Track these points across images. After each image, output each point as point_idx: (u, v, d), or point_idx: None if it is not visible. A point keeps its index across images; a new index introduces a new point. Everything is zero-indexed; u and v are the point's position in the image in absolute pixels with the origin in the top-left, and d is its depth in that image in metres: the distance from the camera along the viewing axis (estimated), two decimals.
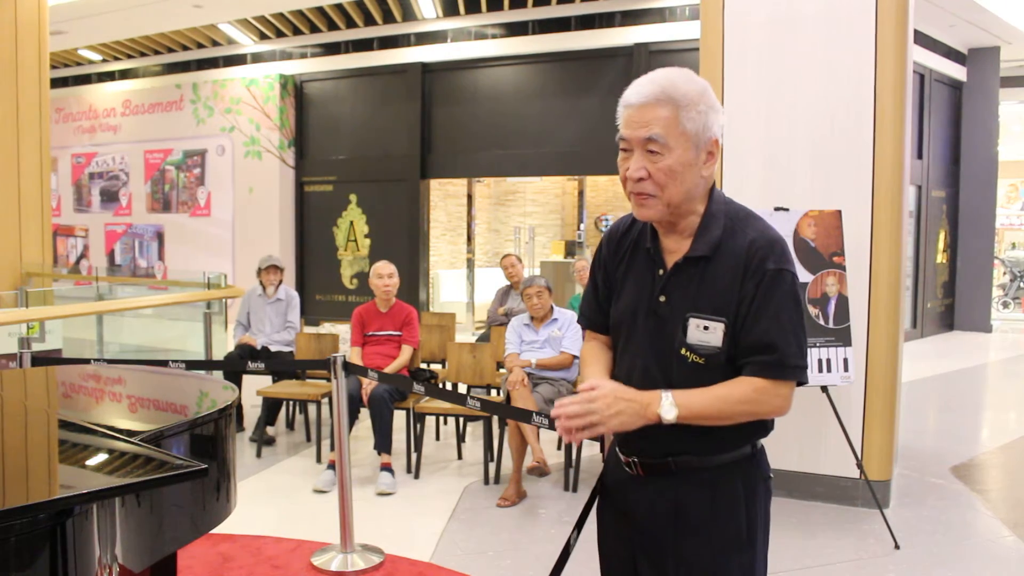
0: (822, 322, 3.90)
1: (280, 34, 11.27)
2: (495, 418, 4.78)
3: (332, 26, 10.90)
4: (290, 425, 6.02)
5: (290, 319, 6.01)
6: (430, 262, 11.20)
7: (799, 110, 4.26)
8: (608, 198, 12.76)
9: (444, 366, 5.95)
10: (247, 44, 11.56)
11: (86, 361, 4.09)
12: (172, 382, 2.80)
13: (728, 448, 1.62)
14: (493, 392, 5.13)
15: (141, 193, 12.68)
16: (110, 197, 13.06)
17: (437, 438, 5.71)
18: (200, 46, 11.91)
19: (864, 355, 4.17)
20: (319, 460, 5.14)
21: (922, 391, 7.48)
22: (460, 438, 5.34)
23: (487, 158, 10.40)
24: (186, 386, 2.68)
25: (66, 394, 2.42)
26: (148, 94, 12.56)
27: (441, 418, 5.81)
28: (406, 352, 5.09)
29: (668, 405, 1.53)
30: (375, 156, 10.94)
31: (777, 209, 3.98)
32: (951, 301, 11.61)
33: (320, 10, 10.51)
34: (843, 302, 3.92)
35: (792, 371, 1.55)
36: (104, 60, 12.85)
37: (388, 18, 10.58)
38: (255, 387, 5.62)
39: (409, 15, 10.38)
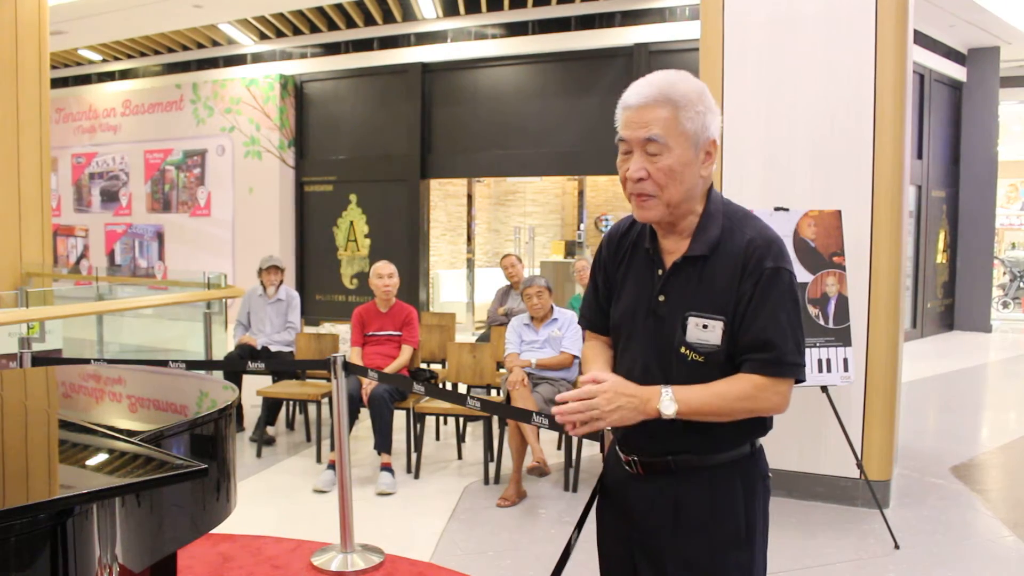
0: (822, 322, 3.90)
1: (280, 34, 11.28)
2: (495, 418, 4.78)
3: (332, 26, 10.90)
4: (290, 425, 6.02)
5: (290, 319, 6.01)
6: (430, 262, 11.20)
7: (799, 110, 4.26)
8: (608, 198, 12.76)
9: (444, 366, 5.95)
10: (247, 44, 11.56)
11: (86, 361, 4.09)
12: (172, 382, 2.80)
13: (727, 447, 1.64)
14: (493, 392, 5.13)
15: (141, 193, 12.68)
16: (110, 197, 13.06)
17: (437, 438, 5.71)
18: (200, 46, 11.91)
19: (864, 355, 4.17)
20: (319, 460, 5.14)
21: (922, 391, 7.48)
22: (460, 438, 5.34)
23: (487, 158, 10.40)
24: (186, 386, 2.68)
25: (66, 394, 2.42)
26: (148, 94, 12.56)
27: (441, 418, 5.82)
28: (406, 352, 5.09)
29: (668, 401, 1.54)
30: (375, 156, 10.94)
31: (777, 209, 3.98)
32: (951, 301, 11.61)
33: (320, 10, 10.51)
34: (843, 302, 3.92)
35: (790, 368, 1.57)
36: (104, 60, 12.85)
37: (388, 18, 10.59)
38: (255, 387, 5.62)
39: (409, 15, 10.38)
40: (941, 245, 11.27)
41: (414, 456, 4.88)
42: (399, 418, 4.99)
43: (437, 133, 10.67)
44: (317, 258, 11.51)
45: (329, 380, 4.40)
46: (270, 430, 5.61)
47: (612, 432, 1.78)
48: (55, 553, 1.36)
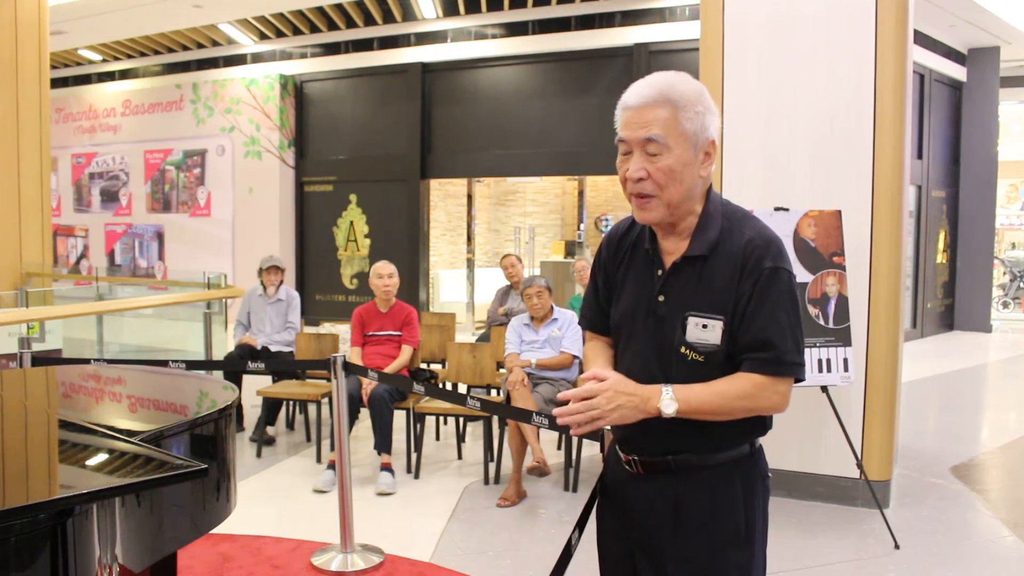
0: (822, 322, 3.90)
1: (280, 34, 11.28)
2: (495, 418, 4.78)
3: (332, 26, 10.90)
4: (290, 425, 6.02)
5: (290, 319, 6.01)
6: (430, 262, 11.20)
7: (799, 110, 4.26)
8: (608, 198, 12.76)
9: (444, 366, 5.95)
10: (247, 44, 11.56)
11: (86, 361, 4.09)
12: (172, 382, 2.80)
13: (727, 446, 1.64)
14: (493, 392, 5.13)
15: (141, 193, 12.68)
16: (110, 197, 13.06)
17: (437, 438, 5.71)
18: (200, 46, 11.91)
19: (864, 355, 4.17)
20: (319, 460, 5.14)
21: (922, 391, 7.48)
22: (460, 438, 5.34)
23: (487, 158, 10.40)
24: (186, 386, 2.68)
25: (66, 394, 2.42)
26: (148, 94, 12.56)
27: (441, 418, 5.82)
28: (406, 352, 5.09)
29: (668, 399, 1.55)
30: (375, 156, 10.94)
31: (777, 209, 3.98)
32: (951, 301, 11.61)
33: (320, 10, 10.51)
34: (843, 302, 3.92)
35: (789, 368, 1.58)
36: (104, 60, 12.85)
37: (388, 18, 10.59)
38: (255, 387, 5.62)
39: (409, 15, 10.38)
40: (941, 245, 11.27)
41: (414, 456, 4.88)
42: (399, 418, 4.99)
43: (437, 133, 10.67)
44: (317, 258, 11.51)
45: (329, 380, 4.40)
46: (270, 430, 5.61)
47: (612, 432, 1.79)
48: (55, 553, 1.36)
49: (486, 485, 4.65)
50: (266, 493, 4.57)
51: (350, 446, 4.28)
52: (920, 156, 10.44)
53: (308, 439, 5.66)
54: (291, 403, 5.93)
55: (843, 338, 3.89)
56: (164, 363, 3.87)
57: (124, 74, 12.89)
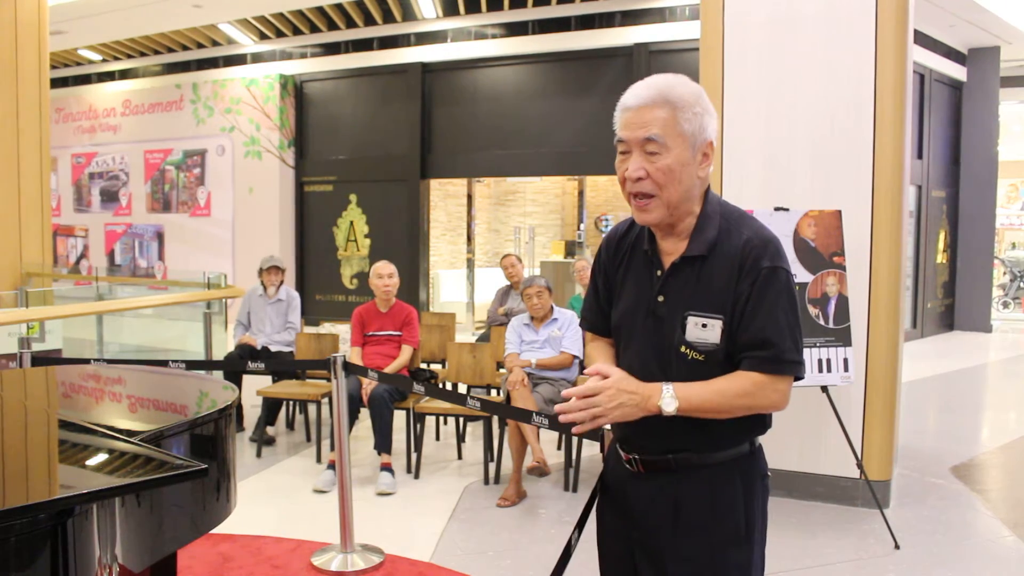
0: (822, 322, 3.90)
1: (280, 34, 11.28)
2: (495, 418, 4.78)
3: (332, 26, 10.90)
4: (290, 425, 6.02)
5: (290, 320, 6.01)
6: (430, 262, 11.20)
7: (799, 110, 4.26)
8: (608, 198, 12.76)
9: (444, 366, 5.95)
10: (247, 44, 11.56)
11: (86, 361, 4.09)
12: (172, 382, 2.80)
13: (727, 445, 1.65)
14: (493, 392, 5.13)
15: (141, 193, 12.68)
16: (110, 197, 13.06)
17: (437, 438, 5.71)
18: (200, 46, 11.91)
19: (864, 355, 4.17)
20: (319, 460, 5.14)
21: (922, 391, 7.48)
22: (460, 438, 5.34)
23: (487, 158, 10.40)
24: (186, 386, 2.68)
25: (66, 394, 2.42)
26: (148, 94, 12.56)
27: (441, 418, 5.82)
28: (406, 352, 5.09)
29: (669, 397, 1.56)
30: (375, 156, 10.94)
31: (777, 209, 3.98)
32: (951, 301, 11.61)
33: (320, 10, 10.51)
34: (843, 302, 3.92)
35: (788, 366, 1.59)
36: (104, 60, 12.85)
37: (388, 18, 10.59)
38: (255, 387, 5.62)
39: (409, 15, 10.38)
40: (941, 245, 11.27)
41: (414, 456, 4.88)
42: (399, 418, 4.99)
43: (437, 133, 10.67)
44: (317, 258, 11.51)
45: (329, 380, 4.40)
46: (270, 430, 5.61)
47: (612, 431, 1.79)
48: (55, 553, 1.36)
49: (486, 485, 4.65)
50: (266, 493, 4.57)
51: (350, 446, 4.28)
52: (920, 156, 10.44)
53: (308, 439, 5.66)
54: (291, 403, 5.93)
55: (843, 338, 3.89)
56: (164, 363, 3.87)
57: (124, 74, 12.89)
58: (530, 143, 10.11)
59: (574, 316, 4.97)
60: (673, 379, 1.60)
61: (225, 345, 6.59)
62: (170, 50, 12.18)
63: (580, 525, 1.90)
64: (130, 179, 12.81)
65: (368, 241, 11.10)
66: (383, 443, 4.68)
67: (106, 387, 2.57)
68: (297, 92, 11.47)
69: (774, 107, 4.30)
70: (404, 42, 10.57)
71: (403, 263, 9.12)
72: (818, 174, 4.23)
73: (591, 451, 4.86)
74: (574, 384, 4.83)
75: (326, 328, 7.18)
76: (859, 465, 4.02)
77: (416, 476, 4.81)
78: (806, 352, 3.69)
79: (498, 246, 13.01)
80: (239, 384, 5.20)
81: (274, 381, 5.73)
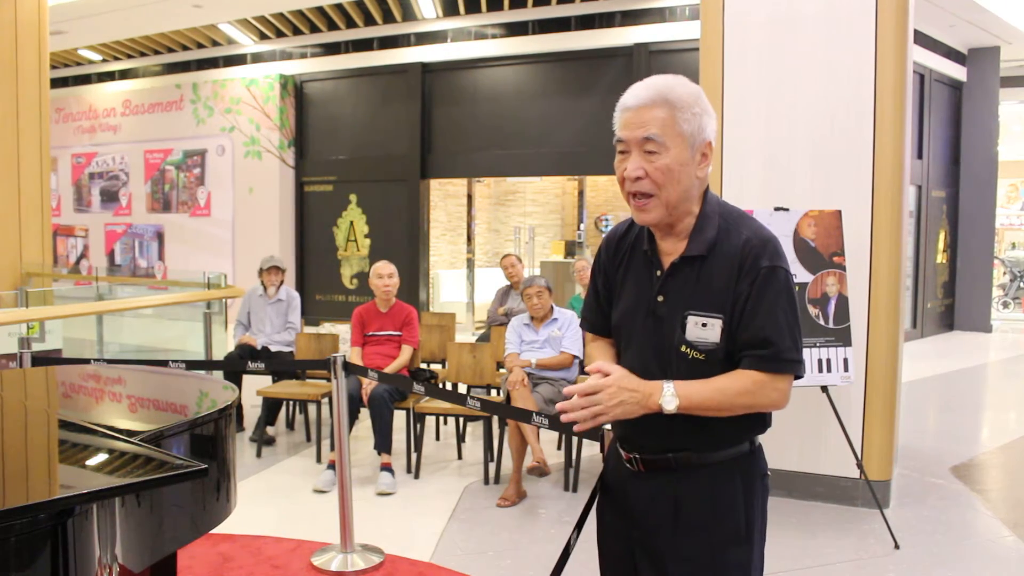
0: (822, 322, 3.90)
1: (280, 34, 11.28)
2: (495, 418, 4.78)
3: (332, 26, 10.90)
4: (290, 425, 6.02)
5: (291, 320, 6.01)
6: (430, 262, 11.20)
7: (799, 110, 4.26)
8: (608, 198, 12.76)
9: (444, 366, 5.95)
10: (247, 44, 11.56)
11: (86, 361, 4.09)
12: (172, 382, 2.80)
13: (727, 444, 1.66)
14: (493, 392, 5.13)
15: (141, 193, 12.68)
16: (110, 197, 13.06)
17: (437, 438, 5.71)
18: (200, 46, 11.91)
19: (864, 355, 4.17)
20: (319, 460, 5.14)
21: (922, 391, 7.48)
22: (460, 438, 5.34)
23: (487, 158, 10.40)
24: (186, 386, 2.68)
25: (66, 394, 2.42)
26: (148, 94, 12.56)
27: (441, 418, 5.82)
28: (406, 352, 5.09)
29: (669, 395, 1.56)
30: (375, 156, 10.94)
31: (777, 209, 3.98)
32: (951, 301, 11.61)
33: (320, 10, 10.51)
34: (843, 302, 3.92)
35: (788, 365, 1.59)
36: (104, 60, 12.85)
37: (388, 18, 10.58)
38: (255, 387, 5.62)
39: (409, 15, 10.38)
40: (941, 245, 11.27)
41: (414, 456, 4.88)
42: (399, 418, 4.99)
43: (437, 133, 10.67)
44: (317, 258, 11.51)
45: (329, 380, 4.40)
46: (270, 430, 5.61)
47: (613, 430, 1.80)
48: (55, 553, 1.36)
49: (486, 485, 4.65)
50: (266, 493, 4.57)
51: (350, 446, 4.29)
52: (920, 156, 10.44)
53: (308, 439, 5.66)
54: (291, 403, 5.93)
55: (843, 338, 3.89)
56: (164, 363, 3.87)
57: (124, 74, 12.89)
58: (530, 143, 10.11)
59: (574, 316, 4.97)
60: (673, 378, 1.60)
61: (225, 345, 6.59)
62: (170, 50, 12.18)
63: (579, 525, 1.90)
64: (130, 179, 12.81)
65: (368, 241, 11.10)
66: (383, 443, 4.68)
67: (106, 387, 2.57)
68: (297, 92, 11.47)
69: (774, 107, 4.30)
70: (404, 42, 10.57)
71: (403, 263, 9.12)
72: (818, 174, 4.23)
73: (591, 451, 4.86)
74: (576, 383, 4.82)
75: (326, 328, 7.18)
76: (859, 465, 4.02)
77: (416, 476, 4.81)
78: (806, 352, 3.70)
79: (498, 246, 13.01)
80: (239, 384, 5.20)
81: (274, 381, 5.73)
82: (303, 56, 11.28)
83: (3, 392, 2.26)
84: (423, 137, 10.61)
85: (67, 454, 1.75)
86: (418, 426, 4.92)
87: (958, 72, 11.07)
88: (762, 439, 1.73)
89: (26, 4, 7.38)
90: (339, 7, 10.44)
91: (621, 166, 1.63)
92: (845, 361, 3.88)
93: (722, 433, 1.64)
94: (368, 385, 4.71)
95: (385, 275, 5.16)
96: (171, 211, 12.38)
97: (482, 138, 10.37)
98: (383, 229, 10.99)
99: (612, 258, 1.79)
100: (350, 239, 11.22)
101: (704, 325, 1.60)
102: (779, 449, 4.21)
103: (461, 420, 5.42)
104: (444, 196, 12.06)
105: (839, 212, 3.99)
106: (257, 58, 11.58)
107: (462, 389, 5.08)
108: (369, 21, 10.66)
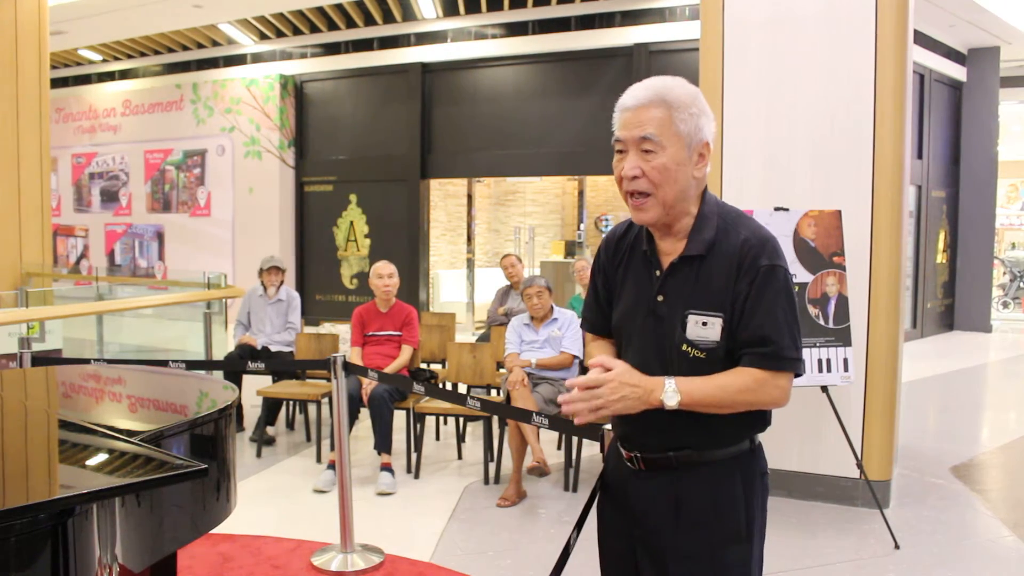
0: (822, 322, 3.90)
1: (280, 34, 11.28)
2: (495, 418, 4.78)
3: (332, 26, 10.90)
4: (290, 425, 6.02)
5: (291, 320, 6.01)
6: (430, 262, 11.20)
7: (799, 110, 4.26)
8: (608, 198, 12.76)
9: (444, 366, 5.95)
10: (247, 44, 11.56)
11: (86, 361, 4.09)
12: (172, 382, 2.80)
13: (727, 443, 1.67)
14: (493, 392, 5.13)
15: (141, 193, 12.69)
16: (110, 197, 13.06)
17: (437, 438, 5.71)
18: (200, 46, 11.91)
19: (864, 355, 4.17)
20: (319, 460, 5.14)
21: (922, 391, 7.48)
22: (460, 438, 5.34)
23: (487, 158, 10.40)
24: (186, 386, 2.68)
25: (66, 394, 2.42)
26: (148, 94, 12.56)
27: (441, 418, 5.82)
28: (406, 352, 5.09)
29: (671, 391, 1.57)
30: (375, 156, 10.94)
31: (777, 209, 3.98)
32: (951, 301, 11.61)
33: (320, 10, 10.51)
34: (843, 302, 3.92)
35: (788, 363, 1.60)
36: (104, 60, 12.85)
37: (388, 18, 10.59)
38: (255, 387, 5.62)
39: (409, 15, 10.38)
40: (941, 245, 11.27)
41: (414, 456, 4.88)
42: (399, 418, 4.99)
43: (437, 133, 10.67)
44: (317, 258, 11.51)
45: (329, 380, 4.40)
46: (270, 430, 5.61)
47: (613, 429, 1.80)
48: (55, 553, 1.36)
49: (486, 485, 4.65)
50: (266, 493, 4.57)
51: (350, 446, 4.29)
52: (920, 156, 10.44)
53: (308, 439, 5.66)
54: (291, 403, 5.93)
55: (843, 338, 3.89)
56: (164, 363, 3.87)
57: (124, 74, 12.89)
58: (530, 143, 10.11)
59: (574, 316, 4.97)
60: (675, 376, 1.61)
61: (225, 345, 6.59)
62: (170, 50, 12.18)
63: (579, 525, 1.90)
64: (130, 179, 12.81)
65: (368, 241, 11.10)
66: (383, 443, 4.68)
67: (106, 387, 2.57)
68: (297, 92, 11.47)
69: (774, 107, 4.30)
70: (404, 42, 10.57)
71: (403, 263, 9.12)
72: (818, 174, 4.23)
73: (591, 451, 4.86)
74: None
75: (326, 328, 7.19)
76: (859, 465, 4.02)
77: (416, 476, 4.81)
78: (806, 352, 3.70)
79: (498, 246, 13.01)
80: (239, 384, 5.20)
81: (274, 381, 5.73)
82: (303, 56, 11.28)
83: (3, 392, 2.26)
84: (423, 137, 10.61)
85: (67, 454, 1.75)
86: (418, 426, 4.92)
87: (958, 72, 11.07)
88: (762, 439, 1.74)
89: (26, 4, 7.38)
90: (339, 7, 10.44)
91: (619, 166, 1.64)
92: (845, 361, 3.88)
93: (722, 431, 1.64)
94: (368, 385, 4.71)
95: (385, 275, 5.16)
96: (171, 211, 12.38)
97: (482, 138, 10.37)
98: (383, 229, 11.00)
99: (612, 258, 1.79)
100: (350, 239, 11.22)
101: (705, 324, 1.61)
102: (779, 449, 4.21)
103: (461, 420, 5.42)
104: (444, 196, 12.06)
105: (839, 212, 3.99)
106: (257, 58, 11.58)
107: (462, 389, 5.08)
108: (369, 21, 10.66)
